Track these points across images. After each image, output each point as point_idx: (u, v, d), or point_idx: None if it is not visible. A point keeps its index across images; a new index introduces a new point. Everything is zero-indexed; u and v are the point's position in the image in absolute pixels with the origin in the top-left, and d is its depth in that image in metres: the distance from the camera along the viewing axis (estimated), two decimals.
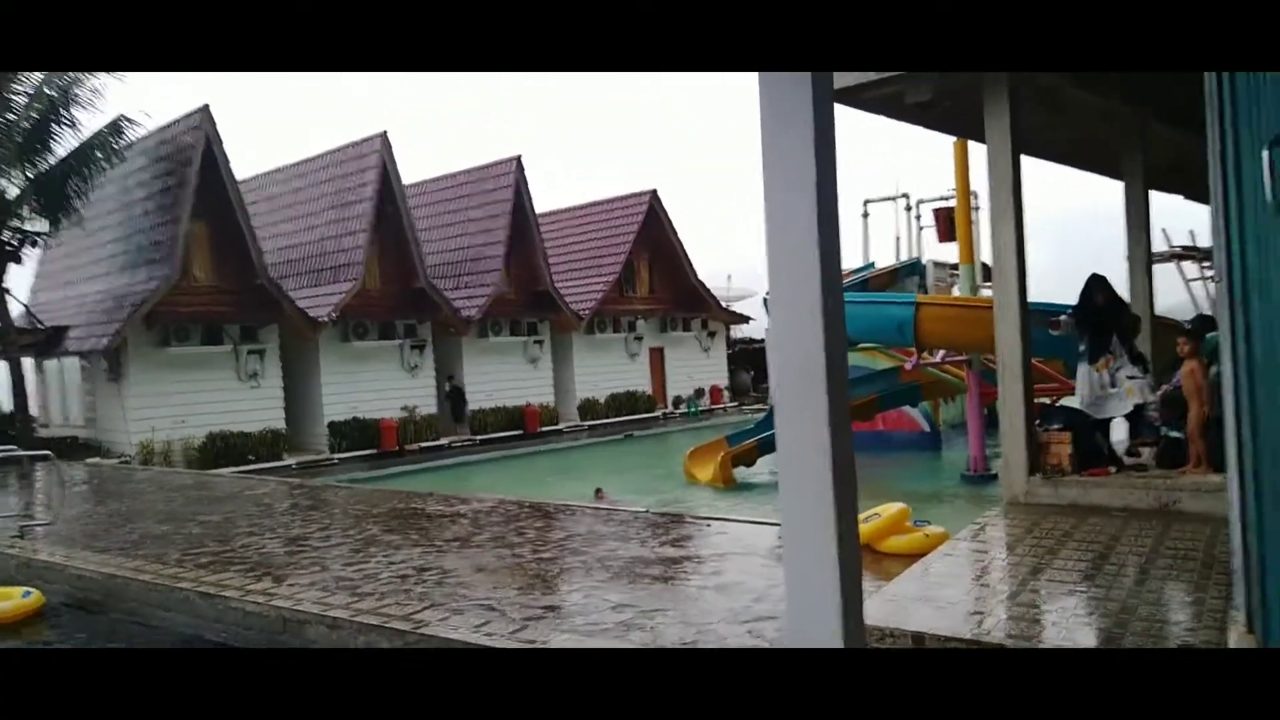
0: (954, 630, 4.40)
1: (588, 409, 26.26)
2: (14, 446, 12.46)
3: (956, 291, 19.09)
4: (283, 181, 24.48)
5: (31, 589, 7.87)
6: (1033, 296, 8.08)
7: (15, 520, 10.20)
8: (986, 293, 13.28)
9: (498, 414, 23.46)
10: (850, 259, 25.55)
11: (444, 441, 22.10)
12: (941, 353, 14.48)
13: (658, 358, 29.42)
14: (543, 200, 28.20)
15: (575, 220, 30.13)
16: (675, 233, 28.97)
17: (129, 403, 18.47)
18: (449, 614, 5.95)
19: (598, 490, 12.93)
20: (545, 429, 24.23)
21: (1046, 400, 11.07)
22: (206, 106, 18.77)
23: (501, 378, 24.09)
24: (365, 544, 8.44)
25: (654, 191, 28.47)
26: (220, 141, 18.82)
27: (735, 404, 30.33)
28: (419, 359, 22.49)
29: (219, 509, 11.11)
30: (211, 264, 19.43)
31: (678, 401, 29.08)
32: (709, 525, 8.63)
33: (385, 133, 21.33)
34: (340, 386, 20.89)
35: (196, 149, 18.56)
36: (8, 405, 18.88)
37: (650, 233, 28.50)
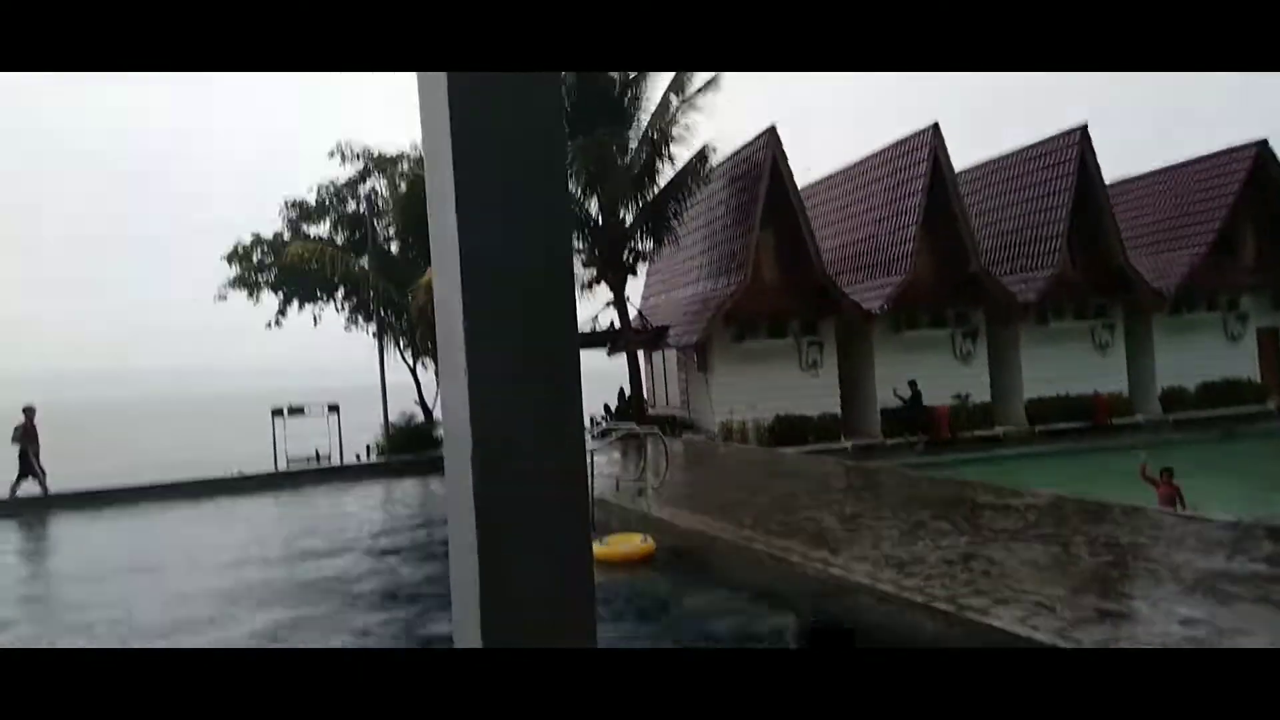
0: None
1: (1172, 400, 22.93)
2: (633, 424, 15.57)
3: None
4: (839, 184, 26.01)
5: (648, 536, 9.88)
6: None
7: (635, 483, 12.78)
8: None
9: (1059, 404, 21.83)
10: None
11: (998, 431, 21.35)
12: None
13: (1271, 339, 24.38)
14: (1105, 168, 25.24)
15: (1150, 187, 26.47)
16: None
17: (713, 389, 21.53)
18: (994, 603, 6.01)
19: (1164, 473, 11.05)
20: (1119, 422, 21.84)
21: None
22: (773, 127, 20.91)
23: (1064, 365, 22.33)
24: (914, 527, 8.80)
25: (1263, 143, 23.63)
26: (785, 157, 20.81)
27: None
28: (971, 346, 22.06)
29: (784, 484, 12.48)
30: (777, 266, 21.59)
31: None
32: None
33: (937, 124, 21.35)
34: (892, 374, 21.53)
35: (764, 166, 20.80)
36: (628, 391, 23.35)
37: (1258, 193, 23.72)
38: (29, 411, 17.23)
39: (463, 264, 0.99)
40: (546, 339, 1.02)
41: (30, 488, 16.90)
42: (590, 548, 1.06)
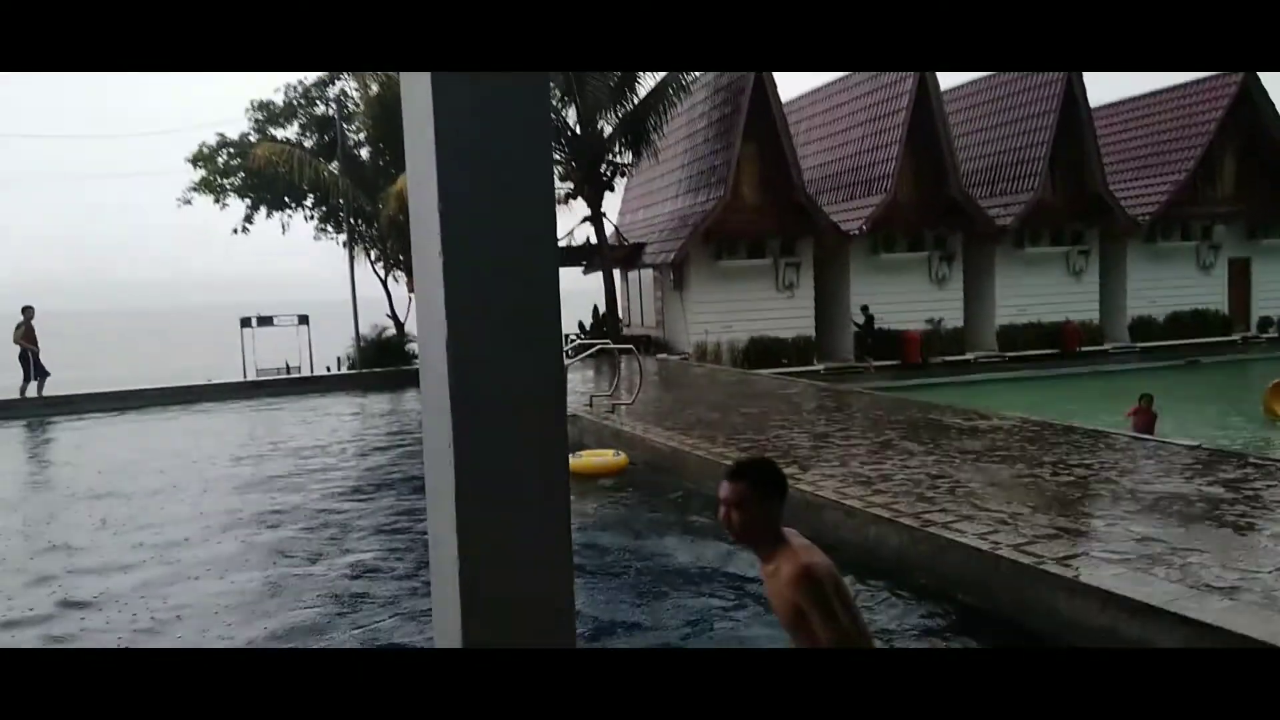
0: None
1: (1141, 329, 23.24)
2: (608, 341, 15.51)
3: None
4: (823, 99, 25.52)
5: (621, 451, 9.93)
6: None
7: (608, 399, 12.80)
8: None
9: (1031, 331, 22.06)
10: None
11: (969, 357, 21.58)
12: None
13: (1241, 270, 24.64)
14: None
15: (1133, 112, 26.24)
16: None
17: (689, 308, 21.47)
18: (957, 519, 6.11)
19: (1142, 399, 11.33)
20: (1087, 349, 22.14)
21: None
22: None
23: (1038, 291, 22.48)
24: (882, 447, 8.90)
25: (1249, 73, 23.38)
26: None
27: None
28: (947, 270, 22.09)
29: (756, 404, 12.55)
30: (757, 184, 21.29)
31: (1266, 324, 24.14)
32: (1279, 468, 7.33)
33: None
34: (868, 297, 21.55)
35: (749, 78, 20.29)
36: (602, 308, 23.22)
37: (1240, 120, 23.60)
38: (28, 311, 16.89)
39: (440, 181, 0.95)
40: (526, 260, 1.00)
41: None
42: (567, 472, 1.06)
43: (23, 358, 16.75)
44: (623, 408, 12.19)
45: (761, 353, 20.36)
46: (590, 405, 12.87)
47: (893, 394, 14.12)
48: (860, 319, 21.22)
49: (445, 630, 1.06)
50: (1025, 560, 5.21)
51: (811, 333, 21.44)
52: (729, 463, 8.30)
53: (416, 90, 0.99)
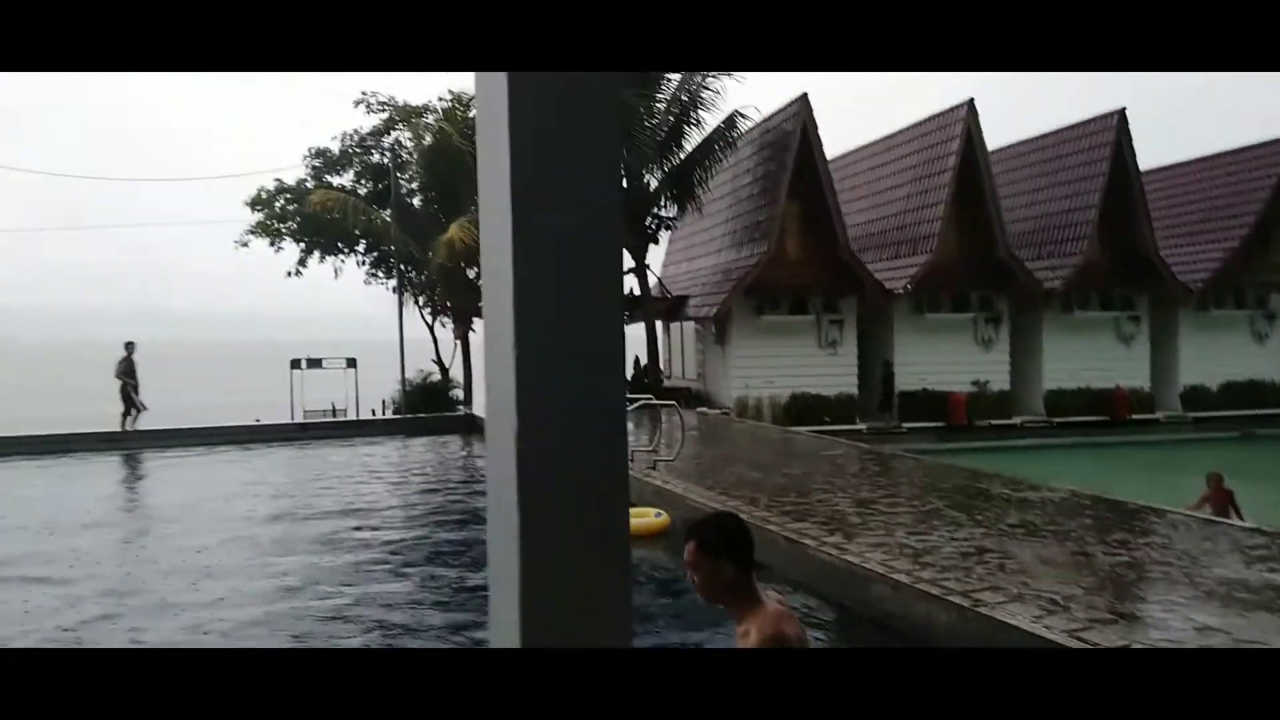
0: None
1: (1194, 397, 22.71)
2: (649, 396, 15.55)
3: None
4: (869, 156, 25.65)
5: (662, 511, 9.88)
6: None
7: (649, 454, 12.78)
8: None
9: (1080, 396, 21.66)
10: None
11: (1016, 421, 21.23)
12: None
13: None
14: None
15: (1184, 177, 25.97)
16: None
17: (730, 362, 21.46)
18: (1008, 599, 5.98)
19: (1212, 477, 10.60)
20: (1137, 417, 21.66)
21: None
22: (805, 96, 20.56)
23: (1086, 356, 22.11)
24: (929, 515, 8.76)
25: None
26: (815, 127, 20.49)
27: None
28: (993, 332, 21.86)
29: (799, 464, 12.45)
30: (801, 240, 21.36)
31: None
32: None
33: (972, 100, 20.97)
34: (912, 357, 21.38)
35: (794, 135, 20.50)
36: (644, 360, 23.31)
37: None
38: (129, 347, 17.57)
39: (514, 234, 0.96)
40: (593, 316, 1.00)
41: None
42: (628, 516, 1.05)
43: (123, 392, 17.40)
44: (663, 464, 12.16)
45: (803, 409, 20.23)
46: (631, 459, 12.87)
47: (938, 458, 13.92)
48: (882, 375, 21.13)
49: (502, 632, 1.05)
50: (1079, 649, 5.08)
51: (854, 391, 21.27)
52: (772, 527, 8.24)
53: (491, 90, 1.00)
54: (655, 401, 14.02)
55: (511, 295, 0.98)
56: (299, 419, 20.19)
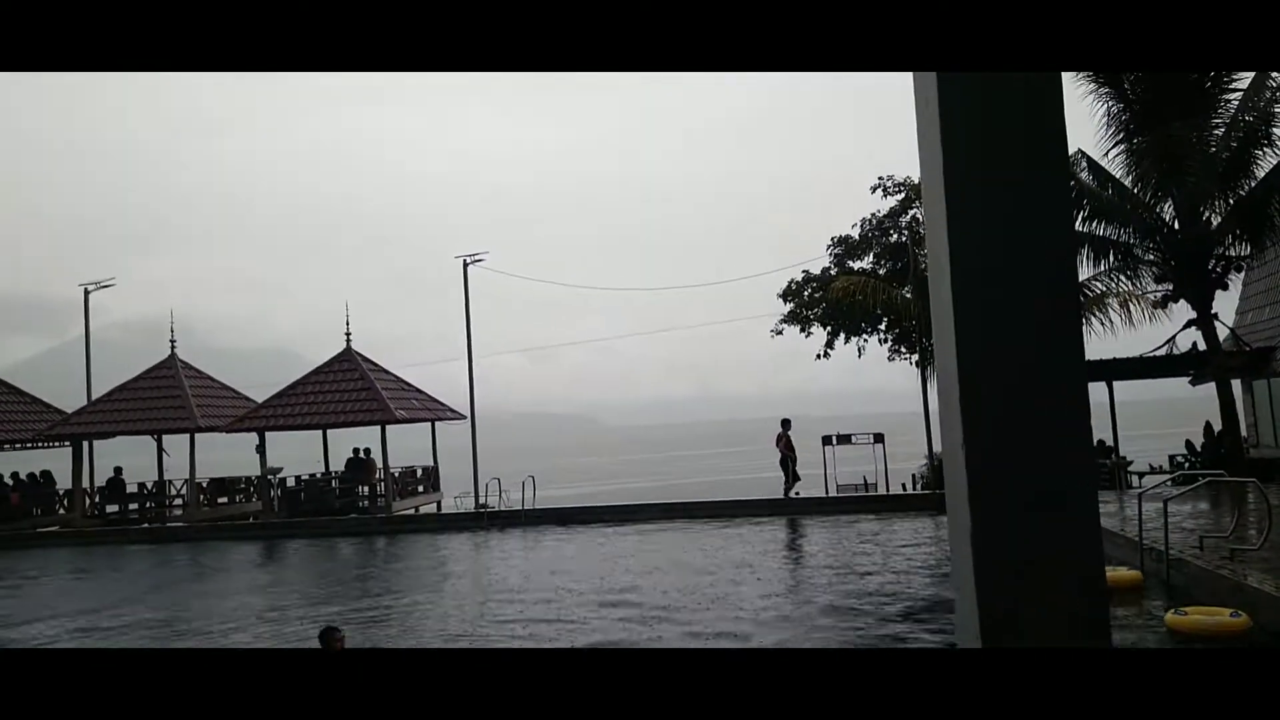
0: None
1: None
2: (1222, 471, 13.14)
3: None
4: None
5: (1240, 612, 8.30)
6: None
7: (1226, 542, 10.80)
8: None
9: None
10: None
11: None
12: None
13: None
14: None
15: None
16: None
17: None
18: None
19: None
20: None
21: None
22: None
23: None
24: None
25: None
26: None
27: None
28: None
29: None
30: None
31: None
32: None
33: None
34: None
35: None
36: (1217, 426, 19.75)
37: None
38: (786, 423, 21.16)
39: (953, 278, 1.01)
40: (1050, 356, 1.01)
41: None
42: (1106, 594, 1.08)
43: (783, 464, 20.71)
44: (1246, 555, 10.19)
45: None
46: (1200, 548, 10.99)
47: None
48: None
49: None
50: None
51: None
52: None
53: (927, 93, 1.06)
54: (1228, 478, 11.84)
55: (953, 332, 1.03)
56: (832, 493, 21.22)
